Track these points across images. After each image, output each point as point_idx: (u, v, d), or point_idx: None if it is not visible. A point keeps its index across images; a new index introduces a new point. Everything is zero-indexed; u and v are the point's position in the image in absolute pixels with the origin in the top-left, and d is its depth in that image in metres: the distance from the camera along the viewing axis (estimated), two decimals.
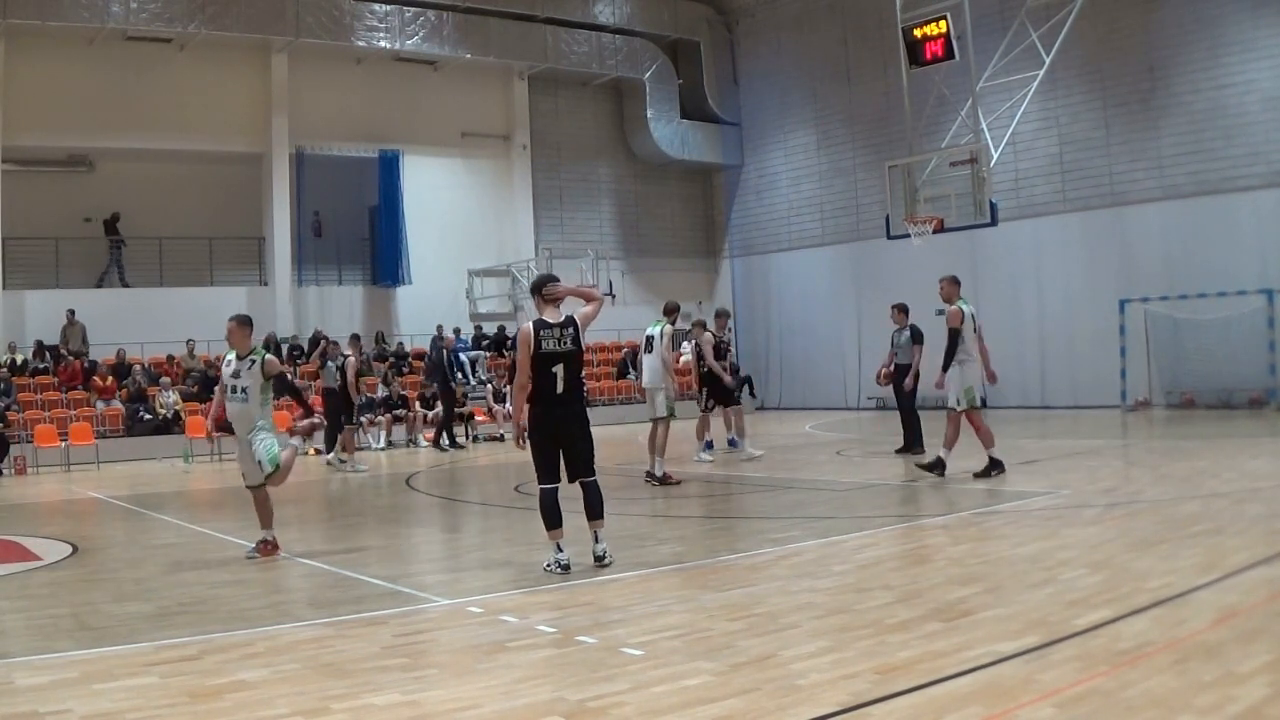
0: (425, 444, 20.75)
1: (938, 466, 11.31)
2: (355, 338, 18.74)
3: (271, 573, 7.83)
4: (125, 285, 23.81)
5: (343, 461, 16.34)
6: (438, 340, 22.11)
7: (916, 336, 14.36)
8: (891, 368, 14.72)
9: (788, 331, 29.24)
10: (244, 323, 8.45)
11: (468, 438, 21.22)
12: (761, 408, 28.48)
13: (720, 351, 14.51)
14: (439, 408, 21.37)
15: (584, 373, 7.42)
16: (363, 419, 21.13)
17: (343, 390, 16.40)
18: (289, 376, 8.54)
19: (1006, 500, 9.73)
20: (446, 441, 19.81)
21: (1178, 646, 4.71)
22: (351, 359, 16.88)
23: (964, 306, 11.26)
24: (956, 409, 11.12)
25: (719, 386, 14.37)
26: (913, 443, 14.16)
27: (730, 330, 16.72)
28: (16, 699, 4.64)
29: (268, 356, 8.28)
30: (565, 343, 7.12)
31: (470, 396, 22.51)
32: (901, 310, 14.53)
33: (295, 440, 9.92)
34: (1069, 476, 11.04)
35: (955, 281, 11.44)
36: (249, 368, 8.20)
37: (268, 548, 8.26)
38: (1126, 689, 4.17)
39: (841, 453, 15.78)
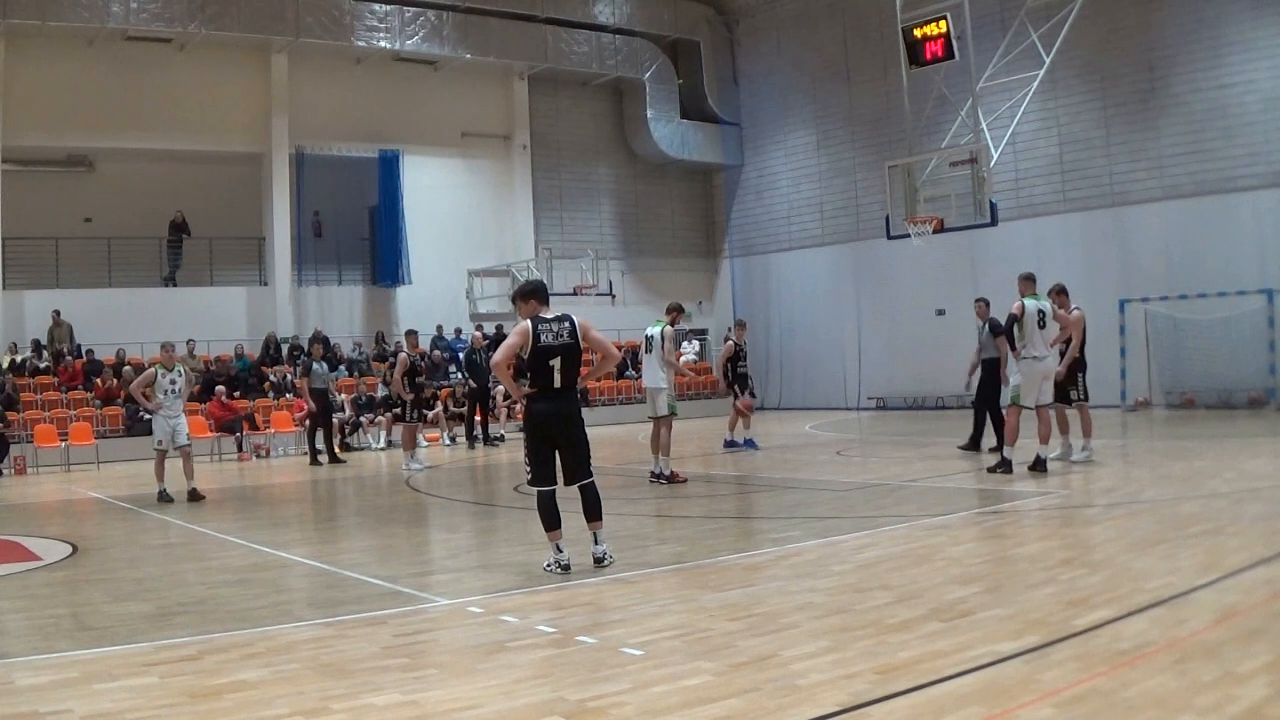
0: (450, 444, 20.89)
1: (1038, 465, 11.24)
2: (411, 333, 18.20)
3: (271, 573, 7.83)
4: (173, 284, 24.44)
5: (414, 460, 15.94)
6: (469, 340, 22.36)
7: (995, 329, 13.71)
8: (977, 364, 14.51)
9: (788, 331, 29.23)
10: None
11: (468, 436, 21.22)
12: (761, 408, 28.43)
13: (739, 356, 16.42)
14: (438, 407, 21.35)
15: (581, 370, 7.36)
16: (363, 419, 21.16)
17: (406, 381, 16.07)
18: None
19: (1006, 500, 9.74)
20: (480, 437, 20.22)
21: (1178, 646, 4.71)
22: (403, 355, 16.67)
23: (1028, 303, 11.25)
24: (1031, 405, 11.26)
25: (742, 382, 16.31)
26: (977, 440, 14.01)
27: (746, 342, 17.03)
28: (16, 699, 4.64)
29: None
30: (562, 336, 7.10)
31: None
32: (983, 304, 14.45)
33: None
34: (1069, 476, 11.03)
35: (1023, 279, 11.52)
36: None
37: None
38: (1126, 689, 4.17)
39: (841, 453, 15.79)
